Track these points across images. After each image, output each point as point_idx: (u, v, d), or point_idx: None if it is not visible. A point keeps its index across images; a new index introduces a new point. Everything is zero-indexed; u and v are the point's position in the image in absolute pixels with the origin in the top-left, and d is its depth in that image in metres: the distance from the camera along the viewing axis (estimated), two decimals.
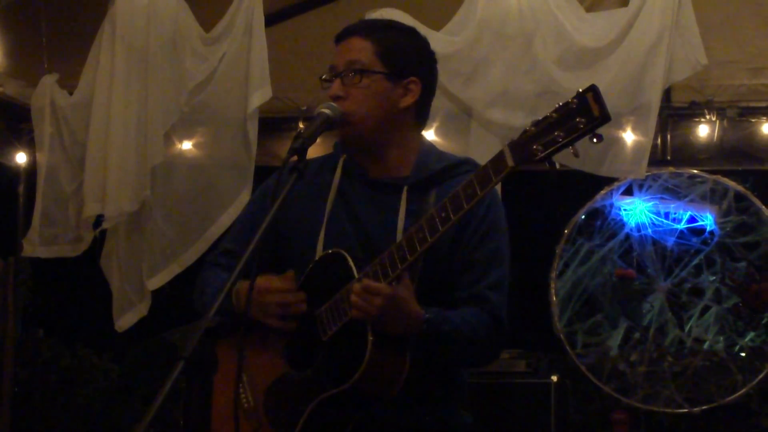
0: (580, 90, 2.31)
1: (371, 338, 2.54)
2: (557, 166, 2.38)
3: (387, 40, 2.81)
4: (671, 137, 5.73)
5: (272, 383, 2.75)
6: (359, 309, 2.53)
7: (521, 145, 2.38)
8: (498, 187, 5.46)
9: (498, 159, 2.42)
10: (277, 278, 2.72)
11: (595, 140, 2.32)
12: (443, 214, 2.48)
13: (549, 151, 2.34)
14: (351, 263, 2.63)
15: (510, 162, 2.38)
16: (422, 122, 2.90)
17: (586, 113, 2.29)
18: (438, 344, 2.62)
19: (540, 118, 2.37)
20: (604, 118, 2.28)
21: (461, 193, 2.46)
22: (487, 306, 2.70)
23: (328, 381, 2.60)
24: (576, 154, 2.35)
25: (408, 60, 2.83)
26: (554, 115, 2.33)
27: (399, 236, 2.65)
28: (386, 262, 2.54)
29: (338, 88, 2.74)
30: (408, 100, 2.81)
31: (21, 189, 6.06)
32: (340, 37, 2.83)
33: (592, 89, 2.30)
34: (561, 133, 2.32)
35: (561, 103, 2.34)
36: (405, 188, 2.75)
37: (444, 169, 2.80)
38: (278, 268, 2.81)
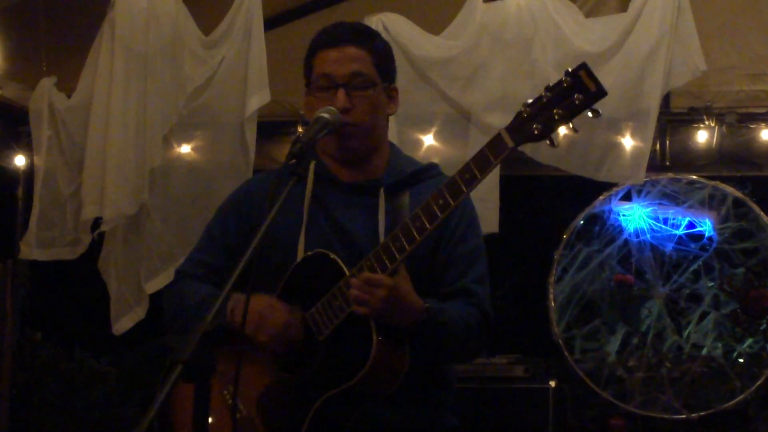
0: (570, 69, 2.34)
1: (377, 337, 2.54)
2: (556, 143, 2.40)
3: (378, 49, 2.84)
4: (670, 143, 5.72)
5: (265, 389, 2.74)
6: (362, 303, 2.52)
7: (518, 126, 2.41)
8: (496, 192, 5.48)
9: (496, 141, 2.44)
10: (283, 303, 2.70)
11: (591, 114, 2.35)
12: (441, 201, 2.49)
13: (548, 129, 2.37)
14: (339, 262, 2.64)
15: (510, 143, 2.41)
16: (388, 127, 2.94)
17: (583, 90, 2.33)
18: (435, 334, 2.63)
19: (530, 100, 2.39)
20: (601, 92, 2.32)
21: (458, 178, 2.48)
22: (474, 299, 2.73)
23: (331, 380, 2.60)
24: (576, 130, 2.38)
25: (392, 68, 2.89)
26: (548, 94, 2.37)
27: (381, 235, 2.68)
28: (382, 254, 2.54)
29: (345, 100, 2.73)
30: (393, 108, 2.87)
31: (20, 192, 6.04)
32: (332, 43, 2.81)
33: (584, 67, 2.34)
34: (559, 111, 2.35)
35: (552, 84, 2.36)
36: (382, 189, 2.78)
37: (416, 172, 2.83)
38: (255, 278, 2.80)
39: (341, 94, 2.74)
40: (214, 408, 2.68)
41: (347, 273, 2.61)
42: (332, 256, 2.67)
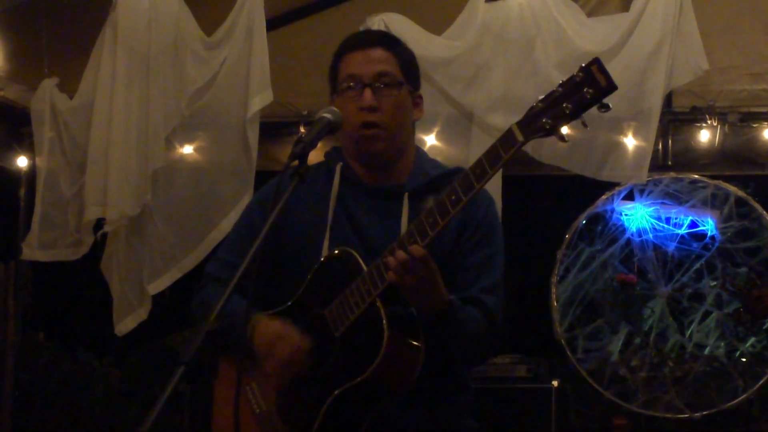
0: (583, 65, 2.34)
1: (388, 331, 2.55)
2: (566, 139, 2.40)
3: (404, 54, 2.87)
4: (672, 142, 5.73)
5: (283, 385, 2.75)
6: (403, 268, 2.51)
7: (529, 120, 2.40)
8: (499, 192, 5.46)
9: (507, 136, 2.43)
10: (296, 332, 2.72)
11: (603, 110, 2.35)
12: (453, 197, 2.49)
13: (558, 123, 2.36)
14: (358, 258, 2.66)
15: (520, 137, 2.40)
16: (414, 132, 2.96)
17: (593, 84, 2.32)
18: (450, 330, 2.63)
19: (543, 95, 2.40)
20: (611, 86, 2.32)
21: (470, 173, 2.48)
22: (481, 308, 2.73)
23: (345, 375, 2.61)
24: (585, 125, 2.38)
25: (417, 75, 2.91)
26: (560, 89, 2.36)
27: None
28: (414, 231, 2.54)
29: (372, 98, 2.76)
30: (418, 114, 2.90)
31: (22, 193, 6.05)
32: (358, 46, 2.83)
33: (596, 62, 2.33)
34: (569, 105, 2.34)
35: (565, 78, 2.36)
36: (406, 194, 2.78)
37: (440, 176, 2.83)
38: (278, 276, 2.81)
39: (368, 93, 2.76)
40: (239, 404, 2.71)
41: (365, 269, 2.63)
42: (352, 252, 2.69)
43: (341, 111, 2.71)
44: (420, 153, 2.93)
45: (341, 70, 2.83)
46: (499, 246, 2.85)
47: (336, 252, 2.73)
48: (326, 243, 2.78)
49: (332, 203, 2.82)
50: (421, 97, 2.90)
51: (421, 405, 2.72)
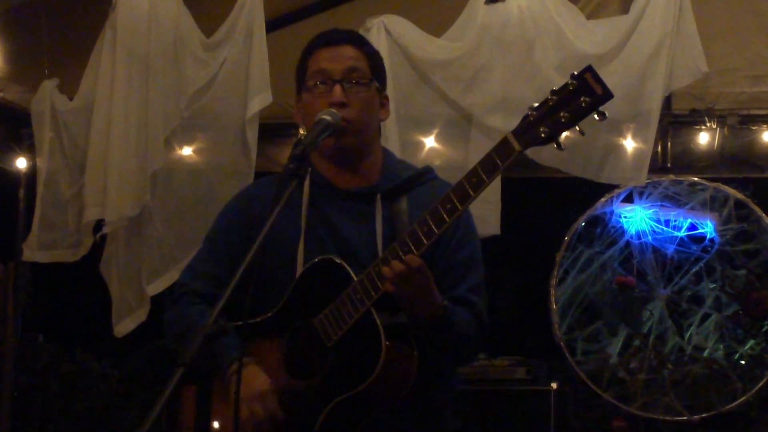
0: (575, 72, 2.33)
1: (385, 341, 2.55)
2: (563, 146, 2.41)
3: (374, 55, 2.90)
4: (672, 144, 5.72)
5: (275, 396, 2.74)
6: (400, 278, 2.52)
7: (524, 129, 2.41)
8: (498, 194, 5.46)
9: (503, 145, 2.45)
10: (275, 398, 2.71)
11: (598, 117, 2.36)
12: (449, 206, 2.51)
13: (555, 132, 2.37)
14: (347, 267, 2.66)
15: (517, 146, 2.41)
16: (381, 133, 2.97)
17: (589, 93, 2.33)
18: (444, 334, 2.64)
19: (536, 104, 2.39)
20: (607, 95, 2.33)
21: (465, 182, 2.49)
22: (470, 308, 2.74)
23: (341, 385, 2.61)
24: (582, 132, 2.39)
25: (384, 75, 2.93)
26: (554, 98, 2.37)
27: (379, 242, 2.70)
28: (408, 240, 2.54)
29: (341, 94, 2.76)
30: (385, 114, 2.91)
31: (21, 194, 6.04)
32: (329, 43, 2.85)
33: (589, 69, 2.35)
34: (566, 114, 2.35)
35: (558, 87, 2.36)
36: (378, 196, 2.79)
37: (412, 177, 2.85)
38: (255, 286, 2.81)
39: (338, 88, 2.77)
40: (223, 414, 2.70)
41: (354, 278, 2.62)
42: (339, 260, 2.67)
43: (309, 107, 2.74)
44: (388, 153, 2.94)
45: (310, 66, 2.85)
46: (477, 244, 2.88)
47: (320, 260, 2.72)
48: (301, 249, 2.77)
49: (304, 210, 2.81)
50: (387, 98, 2.91)
51: (408, 408, 2.71)
